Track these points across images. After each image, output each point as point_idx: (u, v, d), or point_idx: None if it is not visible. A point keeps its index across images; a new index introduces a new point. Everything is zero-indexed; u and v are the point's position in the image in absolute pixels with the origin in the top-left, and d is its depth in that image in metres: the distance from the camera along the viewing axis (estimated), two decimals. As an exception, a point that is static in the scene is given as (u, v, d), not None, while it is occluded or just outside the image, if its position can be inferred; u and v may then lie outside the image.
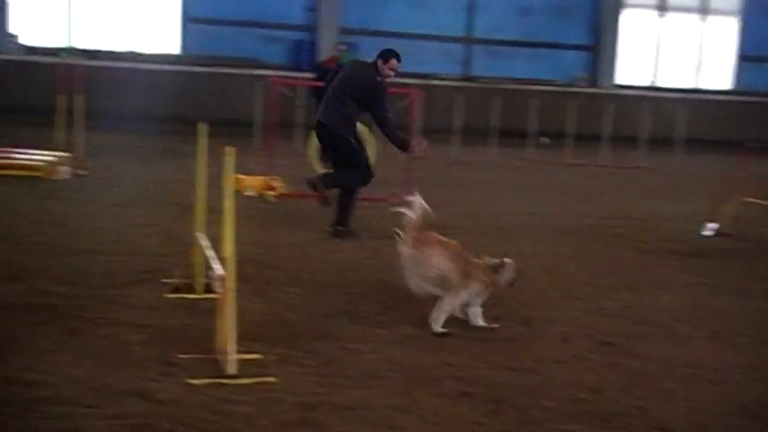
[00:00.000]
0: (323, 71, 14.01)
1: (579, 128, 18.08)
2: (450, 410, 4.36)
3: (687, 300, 6.89)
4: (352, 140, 8.65)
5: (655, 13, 24.69)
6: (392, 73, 8.65)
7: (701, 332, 6.03)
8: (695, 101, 22.68)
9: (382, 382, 4.70)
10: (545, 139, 19.06)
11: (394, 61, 8.60)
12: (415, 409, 4.35)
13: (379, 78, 8.56)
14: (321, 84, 13.38)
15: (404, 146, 8.65)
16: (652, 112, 18.77)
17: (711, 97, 24.13)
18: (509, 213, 10.55)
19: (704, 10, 24.90)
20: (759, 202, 9.86)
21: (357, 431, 4.06)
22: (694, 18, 24.90)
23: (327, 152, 8.94)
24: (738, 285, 7.50)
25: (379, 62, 8.60)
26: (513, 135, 18.39)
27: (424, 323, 5.74)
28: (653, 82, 24.73)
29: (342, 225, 8.64)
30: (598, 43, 24.02)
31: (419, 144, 8.70)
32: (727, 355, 5.57)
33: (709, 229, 9.75)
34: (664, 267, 7.96)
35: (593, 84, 23.76)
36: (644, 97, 21.84)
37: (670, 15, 24.76)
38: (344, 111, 8.53)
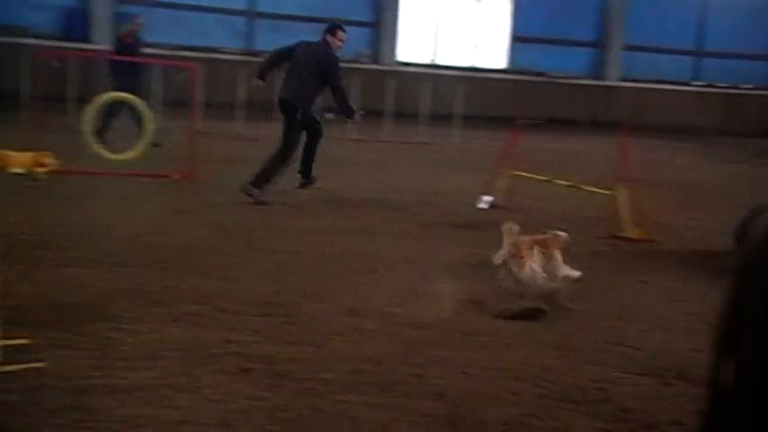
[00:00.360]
0: (121, 45, 13.64)
1: (363, 103, 18.30)
2: (229, 387, 4.31)
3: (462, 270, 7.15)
4: (299, 118, 9.46)
5: (434, -8, 25.43)
6: (341, 43, 9.66)
7: (474, 300, 6.28)
8: (472, 79, 23.60)
9: (160, 361, 4.58)
10: (329, 115, 19.17)
11: (339, 32, 9.65)
12: (195, 387, 4.28)
13: (332, 52, 9.58)
14: (120, 57, 13.03)
15: (349, 114, 9.74)
16: (432, 89, 19.32)
17: (487, 75, 25.19)
18: (292, 188, 10.54)
19: (479, -9, 25.92)
20: (528, 175, 10.40)
21: (132, 413, 3.93)
22: (470, -1, 25.87)
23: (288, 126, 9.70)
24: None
25: (328, 37, 9.61)
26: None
27: (205, 300, 5.66)
28: (433, 60, 25.48)
29: (258, 187, 9.38)
30: (380, 20, 24.43)
31: (357, 114, 9.80)
32: (487, 320, 5.80)
33: (484, 201, 10.19)
34: (441, 239, 8.24)
35: (376, 60, 24.16)
36: (424, 74, 22.43)
37: (448, -5, 25.59)
38: (303, 87, 9.42)
